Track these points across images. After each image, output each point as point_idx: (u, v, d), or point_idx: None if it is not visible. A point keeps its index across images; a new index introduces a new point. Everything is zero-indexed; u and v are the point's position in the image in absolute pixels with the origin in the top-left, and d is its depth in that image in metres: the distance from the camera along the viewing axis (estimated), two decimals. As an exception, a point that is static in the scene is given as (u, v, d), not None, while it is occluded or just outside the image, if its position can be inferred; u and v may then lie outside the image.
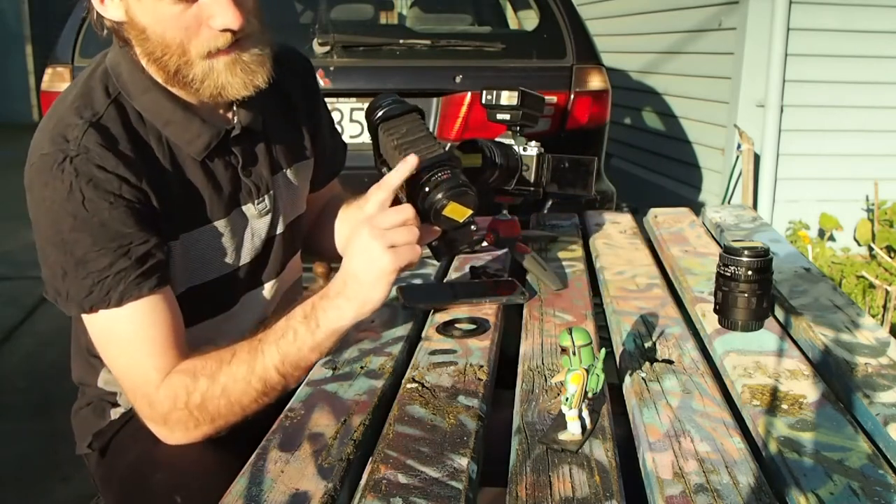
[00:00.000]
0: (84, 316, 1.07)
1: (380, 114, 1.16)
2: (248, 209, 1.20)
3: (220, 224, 1.16)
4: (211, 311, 1.20)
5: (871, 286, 3.45)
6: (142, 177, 1.06)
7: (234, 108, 1.16)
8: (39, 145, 1.05)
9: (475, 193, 1.09)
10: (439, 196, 1.07)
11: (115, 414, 1.24)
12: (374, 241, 1.03)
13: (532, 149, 1.42)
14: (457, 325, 1.18)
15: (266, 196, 1.22)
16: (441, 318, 1.22)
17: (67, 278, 1.03)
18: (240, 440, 0.96)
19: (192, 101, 1.12)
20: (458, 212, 1.08)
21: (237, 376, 1.05)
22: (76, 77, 1.16)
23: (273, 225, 1.25)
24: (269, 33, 1.12)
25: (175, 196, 1.11)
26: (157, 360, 1.06)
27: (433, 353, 1.10)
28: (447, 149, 1.17)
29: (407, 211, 1.05)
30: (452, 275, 1.45)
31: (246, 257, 1.21)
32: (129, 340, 1.06)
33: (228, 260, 1.19)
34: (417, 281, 1.41)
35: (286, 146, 1.28)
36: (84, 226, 1.01)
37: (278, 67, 1.17)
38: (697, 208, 1.91)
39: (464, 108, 2.71)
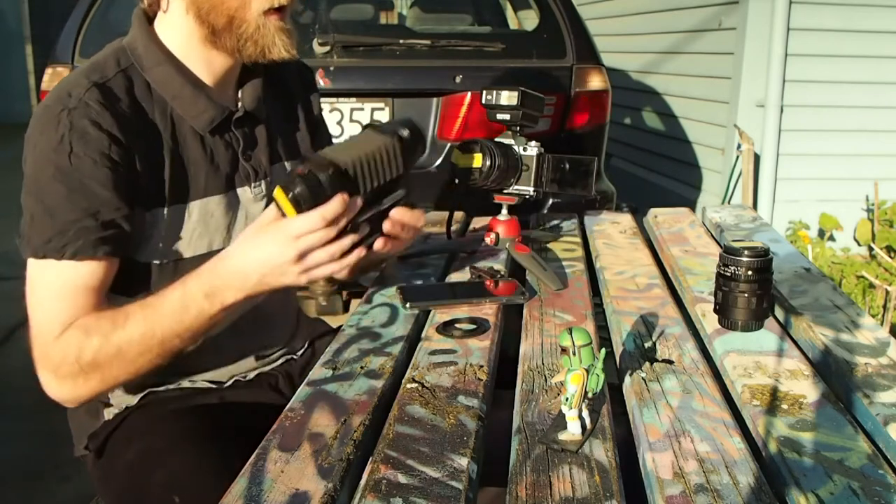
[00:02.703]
0: (29, 263, 1.08)
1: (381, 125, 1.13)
2: (244, 192, 1.22)
3: (214, 200, 1.18)
4: None
5: (871, 286, 3.45)
6: (135, 139, 1.09)
7: (240, 93, 1.21)
8: (44, 101, 1.09)
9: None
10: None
11: (108, 414, 1.24)
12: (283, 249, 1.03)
13: (532, 149, 1.42)
14: (457, 325, 1.18)
15: (263, 182, 1.24)
16: (441, 318, 1.22)
17: (34, 223, 1.06)
18: (239, 440, 0.96)
19: (208, 77, 1.17)
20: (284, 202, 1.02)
21: (132, 339, 1.05)
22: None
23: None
24: None
25: (170, 166, 1.13)
26: (70, 315, 1.07)
27: (433, 353, 1.10)
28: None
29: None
30: (452, 275, 1.45)
31: (235, 238, 1.22)
32: (57, 292, 1.07)
33: (219, 237, 1.20)
34: (417, 281, 1.41)
35: (285, 140, 1.31)
36: (64, 178, 1.04)
37: (282, 67, 1.23)
38: (697, 208, 1.91)
39: (464, 108, 2.71)
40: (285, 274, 1.04)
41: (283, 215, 1.02)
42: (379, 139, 1.08)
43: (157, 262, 1.15)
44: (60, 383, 1.08)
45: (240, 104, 1.21)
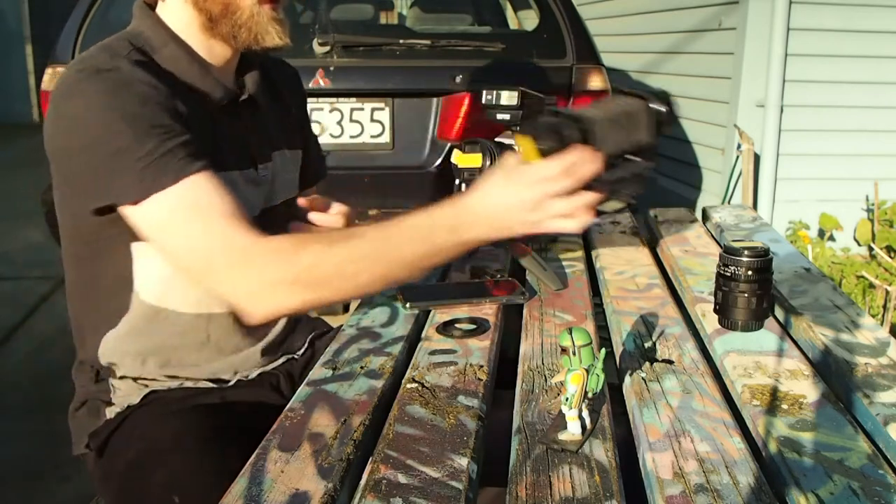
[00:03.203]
0: (136, 214, 1.05)
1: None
2: (251, 174, 1.25)
3: (230, 175, 1.20)
4: None
5: (871, 286, 3.45)
6: (169, 101, 1.09)
7: (245, 79, 1.25)
8: (66, 76, 1.08)
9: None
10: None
11: (109, 413, 1.24)
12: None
13: (532, 149, 1.41)
14: (457, 325, 1.18)
15: (267, 164, 1.27)
16: (441, 318, 1.22)
17: (116, 174, 1.04)
18: (241, 440, 0.96)
19: (210, 61, 1.19)
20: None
21: (360, 255, 1.04)
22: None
23: (270, 196, 1.29)
24: None
25: (198, 133, 1.13)
26: (232, 224, 1.04)
27: (433, 353, 1.10)
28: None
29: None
30: (452, 275, 1.45)
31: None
32: (196, 212, 1.04)
33: None
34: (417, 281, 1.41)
35: (281, 130, 1.34)
36: (121, 121, 1.03)
37: (272, 65, 1.31)
38: (697, 208, 1.91)
39: (464, 108, 2.71)
40: (521, 218, 1.04)
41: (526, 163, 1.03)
42: (631, 104, 1.09)
43: None
44: (270, 294, 1.04)
45: (245, 89, 1.24)
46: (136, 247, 1.15)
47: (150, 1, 1.19)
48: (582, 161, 1.01)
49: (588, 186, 1.04)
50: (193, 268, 1.08)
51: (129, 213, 1.06)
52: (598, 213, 1.09)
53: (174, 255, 1.09)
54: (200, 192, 1.05)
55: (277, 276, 1.03)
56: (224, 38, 1.17)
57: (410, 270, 1.07)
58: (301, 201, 1.28)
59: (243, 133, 1.23)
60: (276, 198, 1.30)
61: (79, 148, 1.06)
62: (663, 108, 1.09)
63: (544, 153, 1.02)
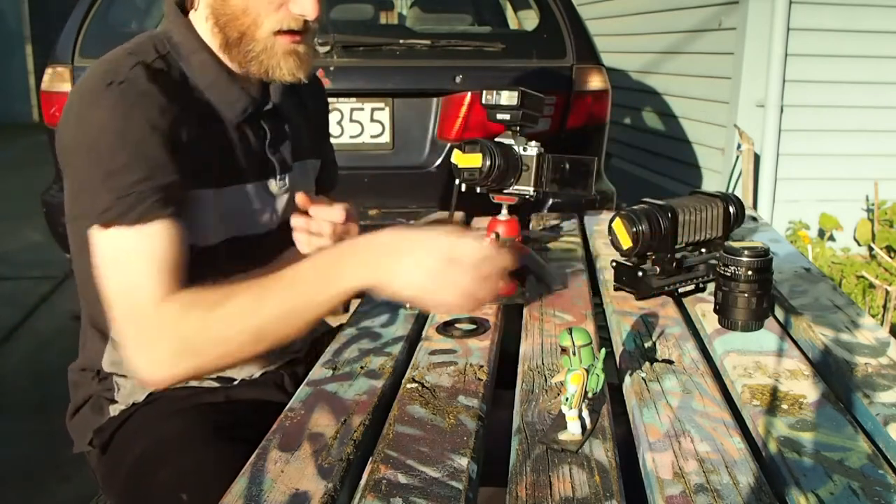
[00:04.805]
0: (94, 236, 1.05)
1: None
2: (271, 184, 1.25)
3: (250, 188, 1.21)
4: (241, 267, 1.19)
5: (871, 286, 3.45)
6: (179, 117, 1.09)
7: (270, 88, 1.25)
8: (87, 77, 1.09)
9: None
10: None
11: (113, 411, 1.24)
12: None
13: (532, 149, 1.41)
14: (457, 325, 1.18)
15: (287, 175, 1.27)
16: (441, 318, 1.22)
17: (91, 193, 1.04)
18: (246, 438, 0.96)
19: (237, 71, 1.19)
20: None
21: (232, 317, 1.00)
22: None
23: (287, 208, 1.28)
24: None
25: (210, 149, 1.14)
26: (157, 285, 1.04)
27: (433, 353, 1.10)
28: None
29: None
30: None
31: (262, 229, 1.25)
32: (134, 259, 1.04)
33: (250, 225, 1.23)
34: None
35: (302, 139, 1.34)
36: (121, 143, 1.04)
37: None
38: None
39: (464, 108, 2.71)
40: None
41: (618, 242, 1.23)
42: (709, 201, 1.28)
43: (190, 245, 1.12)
44: (153, 361, 1.02)
45: (270, 98, 1.25)
46: None
47: (180, 2, 1.19)
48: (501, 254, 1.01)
49: (666, 267, 1.23)
50: (112, 312, 1.06)
51: (91, 232, 1.06)
52: (677, 295, 1.27)
53: (104, 289, 1.06)
54: (147, 242, 1.04)
55: (162, 347, 1.02)
56: (238, 64, 1.17)
57: (286, 326, 1.01)
58: (299, 200, 1.24)
59: (265, 143, 1.23)
60: (292, 207, 1.28)
61: (79, 157, 1.07)
62: (732, 207, 1.29)
63: (636, 238, 1.19)
